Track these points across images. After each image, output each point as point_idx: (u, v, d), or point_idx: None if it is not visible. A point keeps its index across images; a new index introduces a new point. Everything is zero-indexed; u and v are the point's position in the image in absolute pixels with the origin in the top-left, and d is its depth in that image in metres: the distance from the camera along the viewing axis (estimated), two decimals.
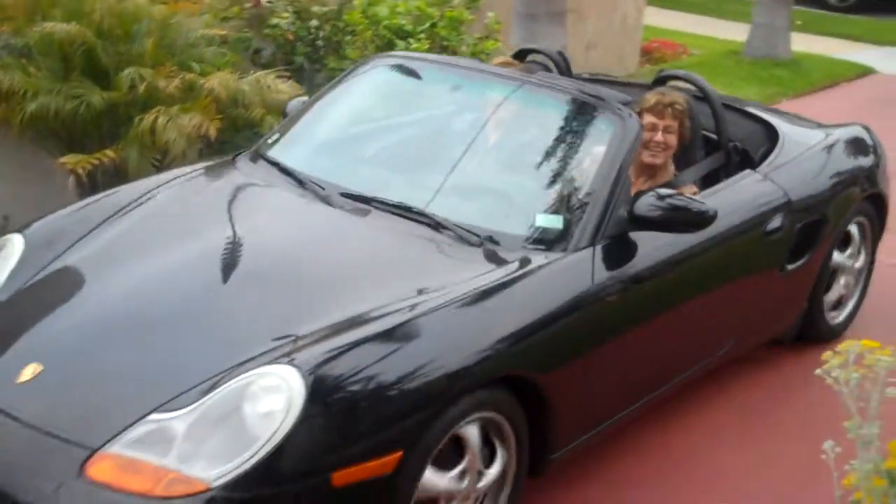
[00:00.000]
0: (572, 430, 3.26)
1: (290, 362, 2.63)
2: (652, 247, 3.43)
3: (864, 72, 10.45)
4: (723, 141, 4.22)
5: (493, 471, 2.99)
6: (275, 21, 5.86)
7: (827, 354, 2.12)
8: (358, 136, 4.05)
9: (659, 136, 3.90)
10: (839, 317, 4.73)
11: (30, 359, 2.84)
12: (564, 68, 4.66)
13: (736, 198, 3.92)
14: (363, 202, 3.42)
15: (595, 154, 3.51)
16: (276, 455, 2.49)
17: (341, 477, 2.54)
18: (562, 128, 3.69)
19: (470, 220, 3.30)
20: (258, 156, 3.84)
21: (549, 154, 3.61)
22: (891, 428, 2.21)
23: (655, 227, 3.37)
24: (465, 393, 2.79)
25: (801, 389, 4.20)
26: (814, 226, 4.27)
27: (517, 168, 3.68)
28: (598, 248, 3.29)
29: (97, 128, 4.84)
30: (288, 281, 3.10)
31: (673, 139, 3.93)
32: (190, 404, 2.60)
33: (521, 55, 4.73)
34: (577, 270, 3.22)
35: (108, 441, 2.57)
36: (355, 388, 2.63)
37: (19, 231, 3.41)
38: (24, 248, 3.30)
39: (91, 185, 4.74)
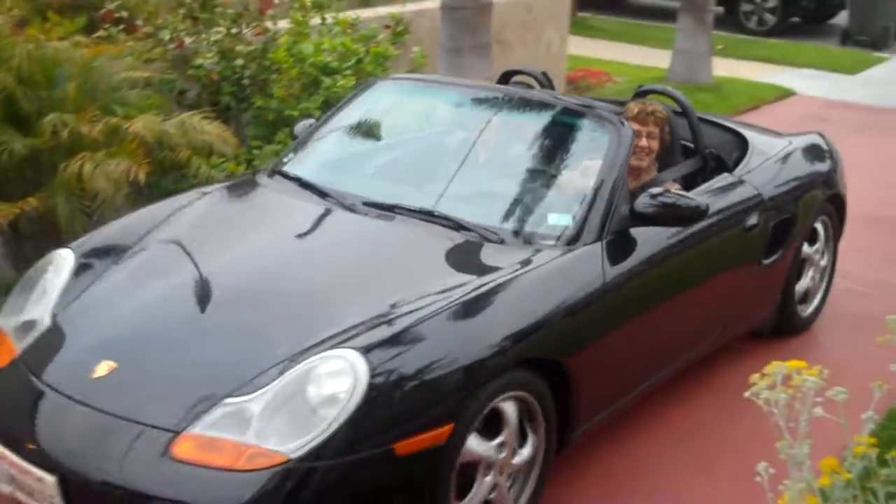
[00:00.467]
0: (591, 408, 3.62)
1: (354, 346, 2.96)
2: (651, 241, 3.84)
3: (785, 94, 10.69)
4: (699, 148, 4.62)
5: (526, 451, 3.33)
6: (199, 61, 5.84)
7: (755, 377, 2.16)
8: (370, 150, 4.43)
9: (643, 142, 4.32)
10: (808, 310, 5.16)
11: (102, 357, 3.11)
12: (548, 87, 4.98)
13: (717, 197, 4.28)
14: (386, 209, 3.78)
15: (595, 158, 3.91)
16: (346, 429, 2.80)
17: (403, 447, 2.87)
18: (564, 136, 4.15)
19: (487, 220, 3.70)
20: (276, 172, 4.20)
21: (553, 160, 4.09)
22: (821, 447, 2.26)
23: (654, 223, 3.77)
24: (502, 371, 3.13)
25: (735, 411, 4.24)
26: (785, 223, 4.69)
27: (525, 173, 4.06)
28: (605, 242, 3.67)
29: (20, 175, 4.77)
30: (335, 277, 3.48)
31: (655, 144, 4.36)
32: (262, 388, 2.90)
33: (506, 77, 5.08)
34: (588, 263, 3.59)
35: (190, 424, 2.87)
36: (410, 367, 2.97)
37: (68, 246, 3.71)
38: (74, 262, 3.59)
39: (14, 234, 4.67)
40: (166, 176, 5.11)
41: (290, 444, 2.79)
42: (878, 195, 6.70)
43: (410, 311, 3.14)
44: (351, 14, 6.70)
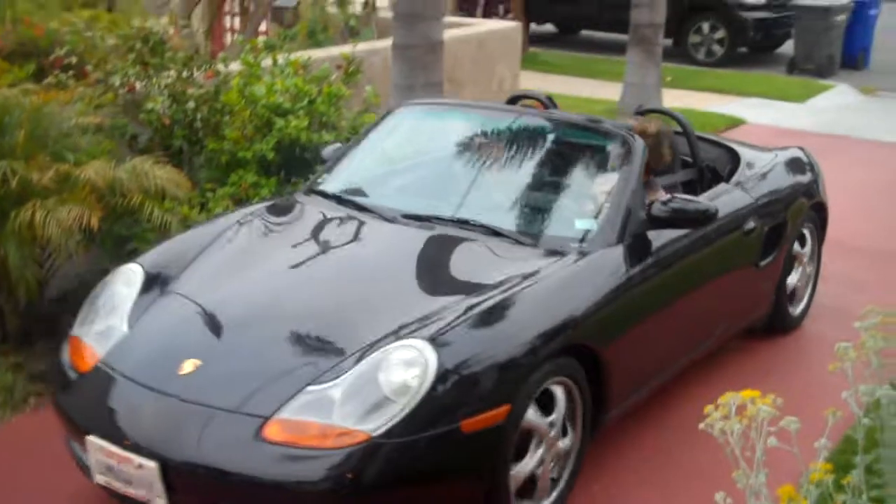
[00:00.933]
0: (620, 394, 4.00)
1: (422, 337, 3.34)
2: (666, 243, 4.27)
3: (735, 123, 10.83)
4: (697, 161, 5.21)
5: (567, 440, 3.71)
6: (150, 105, 5.80)
7: (708, 408, 2.17)
8: (399, 169, 4.88)
9: None
10: (797, 310, 5.61)
11: (186, 356, 3.46)
12: (553, 108, 5.47)
13: (721, 203, 4.62)
14: (424, 220, 4.22)
15: (613, 170, 4.38)
16: (419, 410, 3.17)
17: (468, 425, 3.23)
18: (583, 150, 4.62)
19: (518, 227, 4.21)
20: (312, 192, 4.66)
21: (574, 172, 4.57)
22: (780, 474, 2.27)
23: (669, 225, 4.23)
24: (550, 357, 3.53)
25: (689, 443, 4.26)
26: (777, 228, 5.16)
27: (549, 184, 4.54)
28: (626, 244, 4.10)
29: None
30: (394, 277, 3.90)
31: (652, 155, 4.63)
32: (341, 376, 3.27)
33: (513, 101, 5.64)
34: (613, 262, 4.02)
35: (277, 410, 3.22)
36: (472, 354, 3.36)
37: (135, 262, 4.07)
38: (143, 274, 3.94)
39: None
40: (119, 222, 5.06)
41: (371, 424, 3.15)
42: (839, 223, 6.77)
43: (467, 305, 3.54)
44: (303, 55, 6.70)
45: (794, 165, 5.62)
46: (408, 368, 3.24)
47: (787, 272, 5.38)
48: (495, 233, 4.12)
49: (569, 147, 4.71)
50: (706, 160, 5.30)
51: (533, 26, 16.72)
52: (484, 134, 4.83)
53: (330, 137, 5.91)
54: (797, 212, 5.35)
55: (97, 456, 3.40)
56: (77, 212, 4.53)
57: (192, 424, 3.27)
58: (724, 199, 4.78)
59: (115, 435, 3.35)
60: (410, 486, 3.21)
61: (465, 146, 4.82)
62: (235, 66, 6.31)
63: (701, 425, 2.16)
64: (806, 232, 5.56)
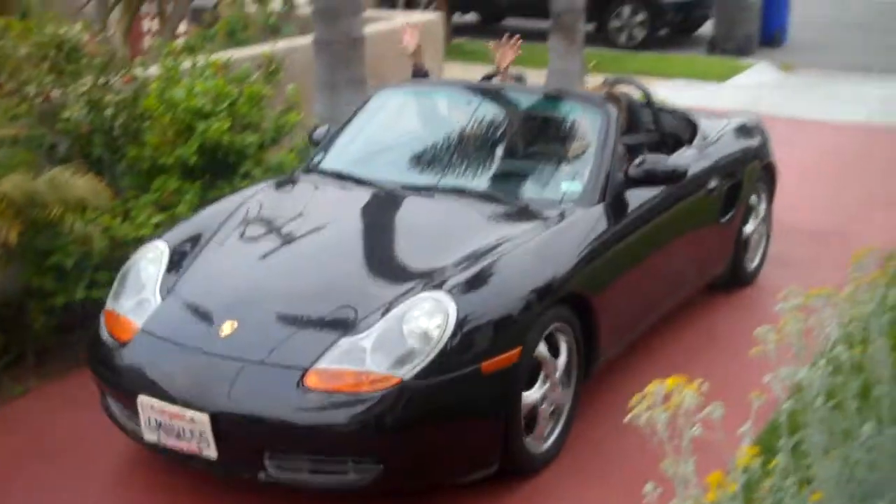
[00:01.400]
0: (609, 341, 4.41)
1: (443, 289, 3.77)
2: (642, 202, 4.71)
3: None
4: (660, 128, 5.68)
5: (562, 364, 4.10)
6: (67, 114, 5.65)
7: (635, 398, 2.17)
8: (391, 145, 5.27)
9: None
10: (753, 264, 6.10)
11: (224, 318, 3.83)
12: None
13: (686, 163, 4.94)
14: (424, 190, 4.68)
15: (593, 135, 4.80)
16: (443, 354, 3.58)
17: (488, 366, 3.66)
18: (564, 119, 5.10)
19: (510, 191, 4.67)
20: (311, 171, 5.09)
21: (558, 139, 5.02)
22: (707, 463, 2.28)
23: (645, 184, 4.68)
24: (552, 305, 3.97)
25: (618, 434, 4.27)
26: (735, 187, 5.64)
27: (533, 151, 4.98)
28: (608, 203, 4.55)
29: None
30: (407, 239, 4.37)
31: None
32: (370, 327, 3.66)
33: (485, 80, 5.98)
34: (598, 219, 4.45)
35: (315, 360, 3.60)
36: (487, 303, 3.79)
37: (159, 237, 4.46)
38: (168, 250, 4.31)
39: None
40: (39, 235, 4.95)
41: (402, 369, 3.54)
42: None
43: (479, 260, 3.97)
44: (223, 55, 6.61)
45: (746, 131, 6.11)
46: (431, 317, 3.65)
47: (743, 226, 5.89)
48: (490, 197, 4.60)
49: (550, 116, 5.17)
50: (668, 127, 5.76)
51: (456, 17, 16.71)
52: (469, 108, 5.22)
53: (253, 139, 5.83)
54: (751, 172, 5.86)
55: (148, 414, 3.73)
56: None
57: (239, 378, 3.62)
58: (688, 162, 5.08)
59: (166, 393, 3.69)
60: (440, 423, 3.62)
61: (451, 121, 5.23)
62: (154, 70, 6.19)
63: (626, 418, 2.15)
64: (759, 191, 6.06)
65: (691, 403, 2.11)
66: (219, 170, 5.78)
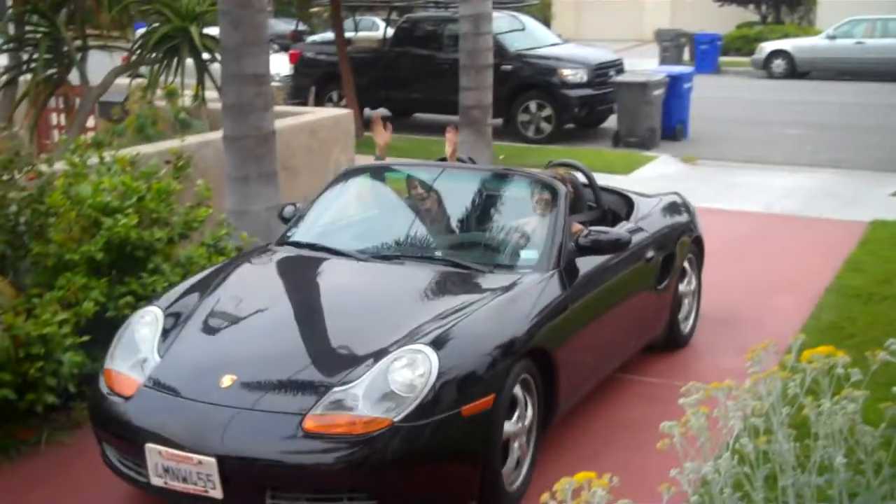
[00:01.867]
0: (567, 394, 4.85)
1: (425, 342, 4.15)
2: (590, 269, 5.20)
3: None
4: (600, 204, 6.17)
5: (529, 413, 4.50)
6: None
7: (543, 498, 2.15)
8: (359, 219, 5.76)
9: None
10: (687, 327, 6.60)
11: (223, 373, 4.17)
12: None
13: (629, 234, 5.37)
14: (394, 258, 5.12)
15: (546, 211, 5.28)
16: (429, 399, 3.96)
17: (467, 410, 4.04)
18: (520, 195, 5.58)
19: (474, 259, 5.10)
20: (285, 243, 5.47)
21: (516, 213, 5.46)
22: None
23: (593, 252, 5.18)
24: (520, 358, 4.39)
25: None
26: (669, 258, 6.16)
27: (493, 223, 5.53)
28: (561, 269, 5.02)
29: None
30: (384, 301, 4.76)
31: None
32: (360, 377, 4.03)
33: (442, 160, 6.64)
34: (554, 282, 4.92)
35: (312, 407, 3.95)
36: (464, 355, 4.20)
37: (152, 304, 4.79)
38: (162, 314, 4.65)
39: None
40: None
41: (392, 412, 3.91)
42: None
43: (453, 318, 4.38)
44: (131, 151, 6.54)
45: (675, 208, 6.70)
46: (415, 368, 4.03)
47: (678, 299, 6.39)
48: (457, 265, 5.03)
49: (508, 193, 5.67)
50: (608, 204, 6.27)
51: (367, 110, 16.89)
52: (430, 186, 5.66)
53: (161, 234, 5.77)
54: (683, 245, 6.39)
55: (155, 460, 4.03)
56: None
57: (241, 425, 3.96)
58: (629, 233, 5.48)
59: (174, 440, 4.00)
60: (426, 460, 3.98)
61: (414, 198, 5.67)
62: (60, 166, 6.10)
63: None
64: (689, 261, 6.55)
65: (601, 501, 2.09)
66: (126, 265, 5.68)
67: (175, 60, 9.16)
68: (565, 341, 4.81)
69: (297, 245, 5.41)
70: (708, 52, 27.19)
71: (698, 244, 6.75)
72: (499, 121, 14.53)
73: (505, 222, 5.46)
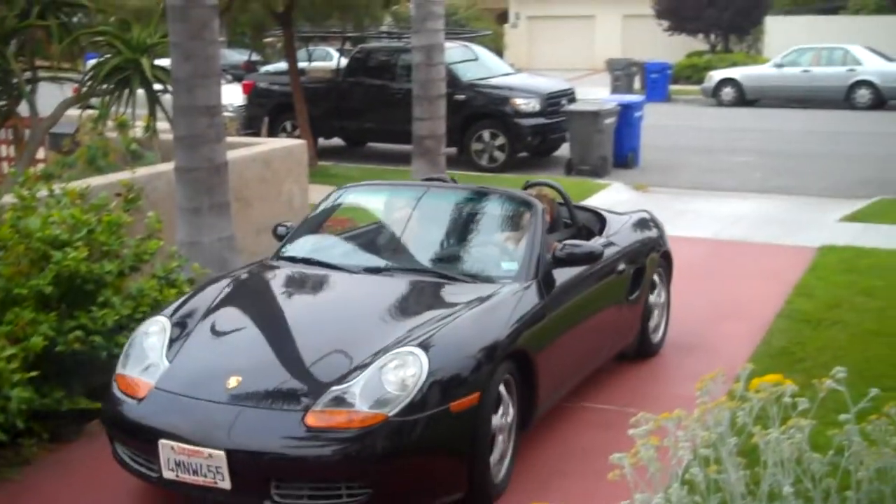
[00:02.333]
0: (546, 395, 5.19)
1: (416, 344, 4.52)
2: (566, 280, 5.57)
3: None
4: (575, 221, 6.55)
5: (511, 411, 4.86)
6: None
7: None
8: (349, 236, 6.15)
9: None
10: (657, 338, 6.96)
11: (228, 375, 4.53)
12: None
13: (602, 248, 5.81)
14: (384, 271, 5.48)
15: (525, 225, 5.68)
16: (419, 396, 4.31)
17: (455, 406, 4.38)
18: (502, 212, 5.97)
19: (460, 271, 5.49)
20: (280, 258, 5.83)
21: (497, 228, 5.87)
22: None
23: (569, 264, 5.57)
24: (503, 359, 4.74)
25: None
26: (639, 271, 6.53)
27: (477, 237, 5.86)
28: (539, 280, 5.38)
29: None
30: (378, 308, 5.08)
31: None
32: (357, 377, 4.38)
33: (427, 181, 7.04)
34: (532, 292, 5.28)
35: (313, 404, 4.32)
36: (453, 356, 4.56)
37: (160, 314, 5.16)
38: (170, 323, 5.02)
39: None
40: None
41: (386, 408, 4.26)
42: None
43: (442, 322, 4.75)
44: (81, 184, 6.47)
45: (645, 224, 7.10)
46: (407, 368, 4.37)
47: (648, 310, 6.74)
48: (443, 275, 5.40)
49: (490, 210, 6.03)
50: (581, 221, 6.66)
51: (322, 140, 16.88)
52: (418, 203, 6.03)
53: (112, 267, 5.68)
54: (652, 259, 6.77)
55: (168, 455, 4.37)
56: None
57: (248, 421, 4.31)
58: (602, 247, 5.89)
59: (186, 436, 4.35)
60: (418, 453, 4.32)
61: (403, 214, 6.01)
62: (9, 199, 6.01)
63: None
64: (658, 274, 6.93)
65: None
66: (76, 299, 5.59)
67: (126, 92, 9.07)
68: (543, 345, 5.14)
69: (293, 260, 5.77)
70: (658, 81, 27.54)
71: (667, 258, 7.12)
72: (452, 150, 14.58)
73: (487, 236, 5.84)
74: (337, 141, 17.61)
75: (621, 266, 6.26)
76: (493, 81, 16.13)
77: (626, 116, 15.49)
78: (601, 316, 6.04)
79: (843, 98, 24.63)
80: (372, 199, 6.59)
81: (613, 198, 13.03)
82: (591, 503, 4.07)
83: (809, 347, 6.87)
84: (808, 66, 25.51)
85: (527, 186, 6.71)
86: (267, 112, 16.87)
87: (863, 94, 24.53)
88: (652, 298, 6.82)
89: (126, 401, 4.71)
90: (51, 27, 9.22)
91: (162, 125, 9.22)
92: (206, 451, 4.27)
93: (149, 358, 4.83)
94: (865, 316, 7.60)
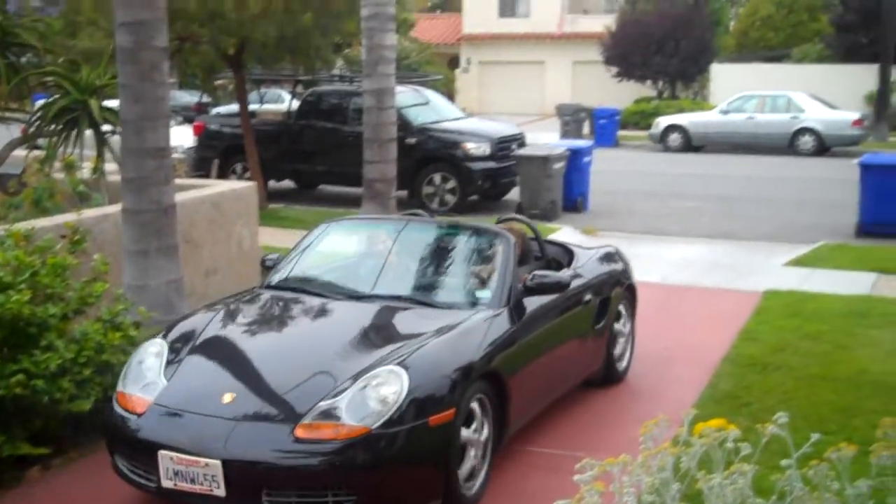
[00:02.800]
0: (517, 415, 5.59)
1: (397, 364, 4.91)
2: (536, 308, 5.99)
3: None
4: (545, 254, 6.93)
5: (486, 430, 5.26)
6: None
7: None
8: (333, 267, 6.54)
9: None
10: (622, 365, 7.35)
11: (223, 391, 4.93)
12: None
13: (569, 278, 6.25)
14: (367, 298, 5.88)
15: (498, 256, 6.10)
16: (400, 411, 4.70)
17: (433, 420, 4.77)
18: (476, 244, 6.41)
19: (438, 298, 5.92)
20: (269, 287, 6.26)
21: (472, 259, 6.29)
22: None
23: (538, 293, 5.99)
24: (477, 379, 5.15)
25: None
26: (604, 302, 6.93)
27: (452, 268, 6.28)
28: (511, 307, 5.81)
29: None
30: (362, 332, 5.52)
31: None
32: (342, 394, 4.78)
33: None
34: (504, 318, 5.71)
35: (302, 417, 4.70)
36: (430, 375, 4.93)
37: (157, 337, 5.54)
38: (166, 345, 5.41)
39: None
40: None
41: (369, 421, 4.64)
42: None
43: (420, 344, 5.15)
44: (26, 225, 6.39)
45: (610, 258, 7.52)
46: (389, 385, 4.75)
47: (614, 339, 7.14)
48: (420, 302, 5.83)
49: (464, 242, 6.47)
50: (551, 254, 7.00)
51: (273, 183, 16.83)
52: (398, 236, 6.44)
53: (56, 310, 5.61)
54: (617, 290, 7.18)
55: (167, 465, 4.72)
56: None
57: (242, 433, 4.69)
58: (570, 278, 6.29)
59: (184, 447, 4.71)
60: (399, 463, 4.67)
61: (383, 247, 6.42)
62: None
63: None
64: (623, 305, 7.34)
65: None
66: (18, 342, 5.50)
67: (74, 133, 9.01)
68: (515, 367, 5.55)
69: (280, 288, 6.19)
70: (607, 127, 27.89)
71: (631, 291, 7.55)
72: (403, 193, 14.61)
73: (462, 267, 6.26)
74: (288, 183, 17.57)
75: (588, 297, 6.67)
76: (444, 125, 16.24)
77: (575, 161, 15.64)
78: (568, 343, 6.44)
79: (787, 144, 25.10)
80: (352, 232, 7.06)
81: (563, 241, 13.10)
82: None
83: (755, 391, 6.94)
84: (752, 112, 25.97)
85: (499, 221, 7.12)
86: (217, 154, 16.81)
87: (806, 141, 25.01)
88: (617, 327, 7.19)
89: (126, 416, 5.05)
90: None
91: (110, 167, 9.15)
92: (204, 460, 4.62)
93: (147, 377, 5.18)
94: (810, 360, 7.69)
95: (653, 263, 11.75)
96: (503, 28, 42.10)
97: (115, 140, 8.41)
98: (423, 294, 5.98)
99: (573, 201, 15.65)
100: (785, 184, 19.45)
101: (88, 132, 8.97)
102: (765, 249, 12.88)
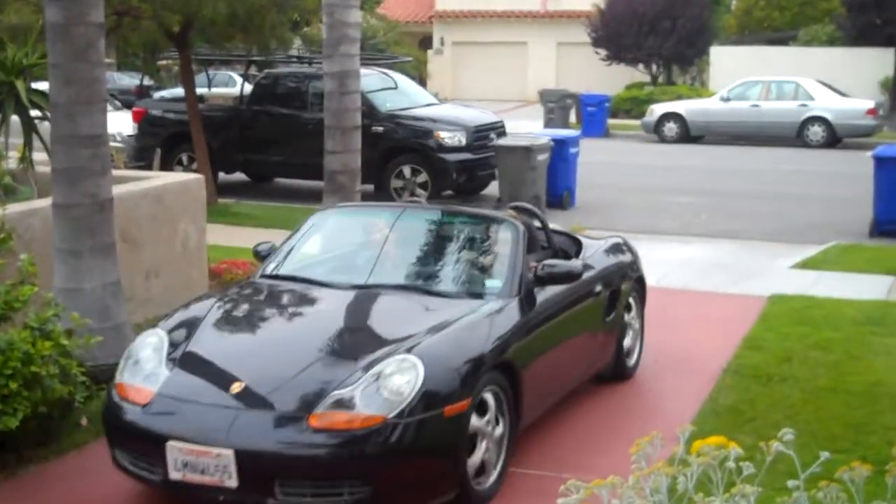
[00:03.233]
0: (530, 408, 5.96)
1: (412, 352, 5.24)
2: (547, 298, 6.38)
3: None
4: (552, 244, 7.28)
5: (500, 427, 5.61)
6: None
7: None
8: (335, 255, 6.95)
9: None
10: (632, 361, 7.75)
11: (231, 381, 5.23)
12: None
13: (580, 268, 6.55)
14: (371, 287, 6.21)
15: (507, 244, 6.48)
16: (415, 400, 5.02)
17: (448, 411, 5.10)
18: (485, 232, 6.87)
19: (445, 287, 6.32)
20: (266, 277, 6.57)
21: (481, 247, 6.75)
22: None
23: (551, 282, 6.37)
24: (490, 370, 5.50)
25: None
26: (614, 294, 7.33)
27: (464, 257, 6.66)
28: (521, 297, 6.17)
29: None
30: (370, 321, 6.11)
31: None
32: (356, 382, 5.09)
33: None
34: (515, 309, 6.07)
35: (316, 407, 5.01)
36: (445, 364, 5.29)
37: (157, 327, 5.85)
38: (166, 335, 5.69)
39: None
40: None
41: (385, 410, 4.96)
42: None
43: (433, 334, 5.51)
44: None
45: (619, 249, 7.94)
46: (404, 374, 5.07)
47: (623, 332, 7.54)
48: (430, 292, 6.21)
49: (475, 231, 6.89)
50: (558, 244, 7.37)
51: (223, 175, 16.76)
52: (400, 223, 6.80)
53: None
54: (626, 282, 7.60)
55: (175, 456, 4.98)
56: None
57: (254, 422, 5.01)
58: (580, 267, 6.61)
59: (195, 437, 4.99)
60: (414, 453, 5.01)
61: (385, 234, 6.73)
62: None
63: None
64: (633, 298, 7.74)
65: None
66: None
67: None
68: (526, 357, 5.91)
69: (278, 277, 6.51)
70: (596, 115, 28.00)
71: (641, 283, 7.99)
72: (369, 187, 14.59)
73: (471, 255, 6.67)
74: (239, 176, 17.50)
75: (598, 288, 7.06)
76: (415, 112, 16.24)
77: (561, 152, 15.67)
78: (579, 335, 6.83)
79: (794, 135, 25.27)
80: (352, 219, 7.49)
81: None
82: None
83: (759, 405, 6.96)
84: (757, 100, 26.14)
85: (509, 209, 7.50)
86: (160, 142, 16.73)
87: (815, 132, 25.20)
88: (627, 318, 7.60)
89: (128, 407, 5.31)
90: None
91: (39, 156, 9.08)
92: (216, 450, 4.90)
93: (148, 367, 5.45)
94: (819, 371, 7.73)
95: (647, 264, 11.67)
96: (480, 5, 42.11)
97: (45, 127, 8.34)
98: (432, 283, 6.37)
99: (558, 196, 15.68)
100: (792, 178, 19.58)
101: (15, 118, 8.89)
102: (769, 250, 12.95)
